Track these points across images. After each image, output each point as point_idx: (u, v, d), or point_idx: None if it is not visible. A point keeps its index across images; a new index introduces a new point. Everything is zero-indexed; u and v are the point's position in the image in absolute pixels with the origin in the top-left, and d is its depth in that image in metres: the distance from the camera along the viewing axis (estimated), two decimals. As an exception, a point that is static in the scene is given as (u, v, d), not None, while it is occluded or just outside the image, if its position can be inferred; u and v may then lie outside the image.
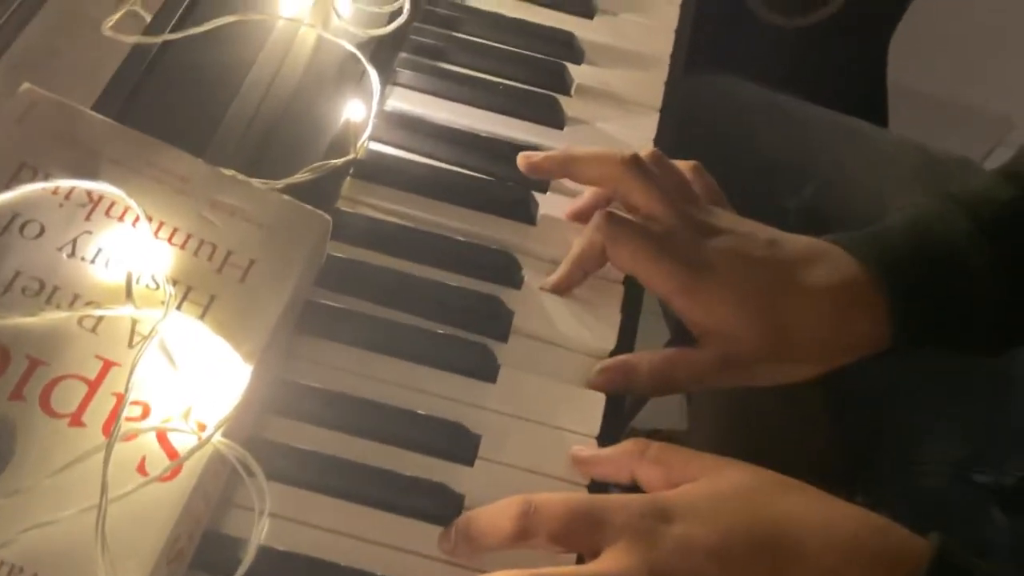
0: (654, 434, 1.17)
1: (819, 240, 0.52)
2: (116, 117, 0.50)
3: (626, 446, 0.45)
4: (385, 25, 0.57)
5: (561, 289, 0.51)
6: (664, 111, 0.61)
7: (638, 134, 0.59)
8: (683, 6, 0.66)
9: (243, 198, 0.43)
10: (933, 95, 1.65)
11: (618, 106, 0.60)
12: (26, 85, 0.44)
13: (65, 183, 0.40)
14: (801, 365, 0.51)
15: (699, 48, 1.29)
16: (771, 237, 0.52)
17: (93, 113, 0.44)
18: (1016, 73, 1.61)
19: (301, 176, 0.49)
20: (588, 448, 0.46)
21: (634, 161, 0.51)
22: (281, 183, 0.49)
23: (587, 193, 0.54)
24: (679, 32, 0.65)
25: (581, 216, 0.54)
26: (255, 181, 0.47)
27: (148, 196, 0.42)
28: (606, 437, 0.47)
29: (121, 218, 0.41)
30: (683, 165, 0.54)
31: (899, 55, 1.37)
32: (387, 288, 0.49)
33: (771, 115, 0.75)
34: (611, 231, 0.49)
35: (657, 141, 0.59)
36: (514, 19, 0.62)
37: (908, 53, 1.44)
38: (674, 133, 0.61)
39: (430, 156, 0.56)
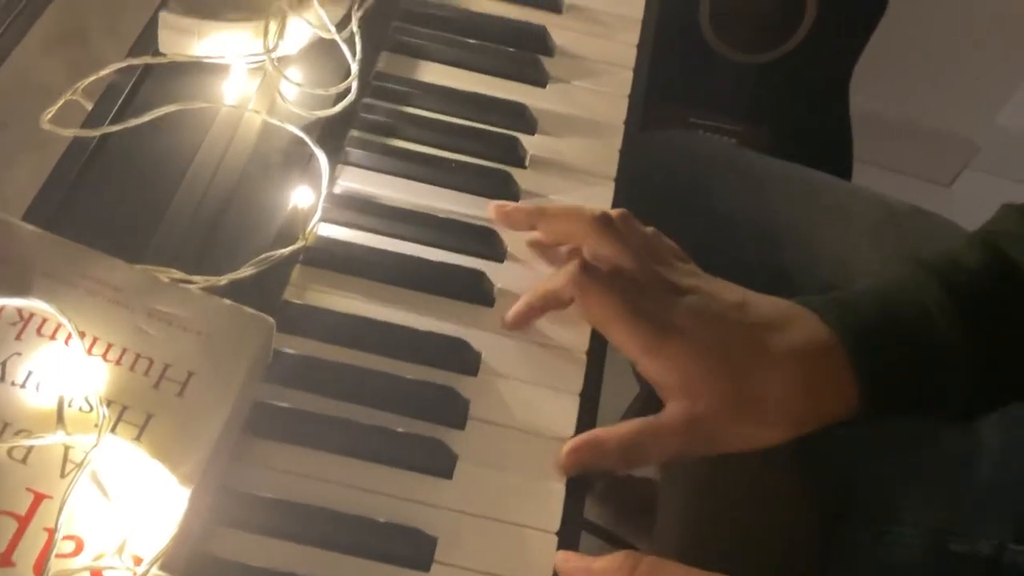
0: (627, 480, 1.16)
1: (788, 303, 0.52)
2: (55, 213, 0.49)
3: (617, 559, 0.44)
4: (333, 105, 0.56)
5: (519, 325, 0.51)
6: (619, 179, 0.60)
7: (594, 204, 0.58)
8: (636, 71, 0.65)
9: (181, 305, 0.42)
10: (898, 121, 1.66)
11: (573, 177, 0.60)
12: (-47, 197, 0.43)
13: (-6, 302, 0.39)
14: (768, 429, 0.50)
15: (660, 86, 1.29)
16: (740, 298, 0.52)
17: (23, 224, 0.42)
18: (978, 97, 1.63)
19: (246, 270, 0.48)
20: (575, 557, 0.44)
21: (604, 218, 0.52)
22: (225, 279, 0.48)
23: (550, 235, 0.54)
24: (632, 98, 0.64)
25: (540, 249, 0.54)
26: (197, 279, 0.46)
27: (82, 310, 0.40)
28: (566, 533, 0.45)
29: (53, 336, 0.39)
30: (646, 228, 0.55)
31: (863, 82, 1.38)
32: (338, 382, 0.48)
33: (730, 170, 0.75)
34: (584, 284, 0.49)
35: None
36: (466, 92, 0.62)
37: (872, 80, 1.45)
38: (629, 200, 0.61)
39: (383, 236, 0.55)
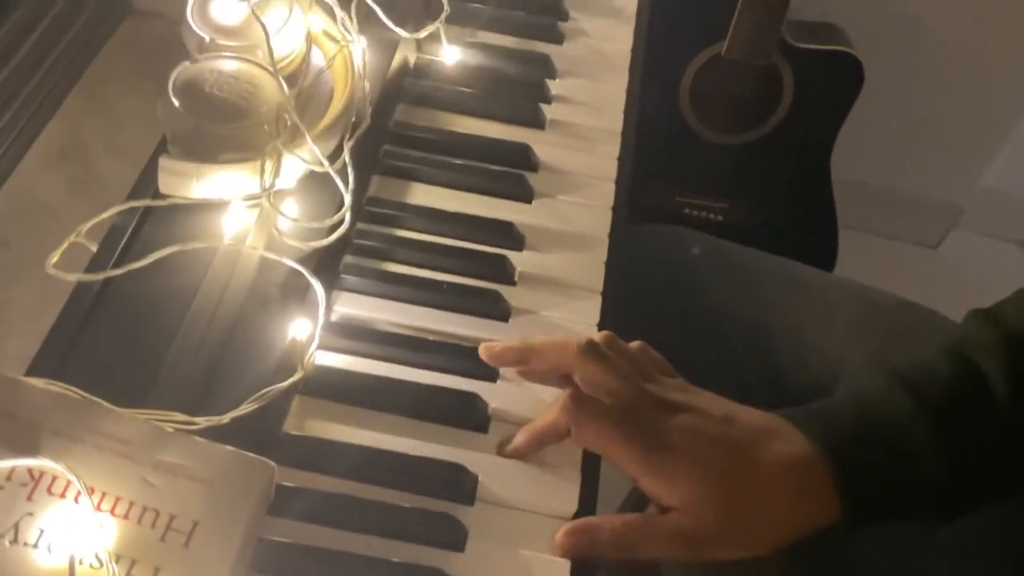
0: (634, 563, 1.16)
1: (771, 416, 0.54)
2: (62, 359, 0.51)
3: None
4: (328, 235, 0.58)
5: (519, 456, 0.53)
6: (607, 290, 0.62)
7: (582, 319, 0.60)
8: (618, 182, 0.68)
9: (185, 454, 0.43)
10: (882, 188, 1.69)
11: (561, 291, 0.62)
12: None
13: (5, 464, 0.41)
14: (758, 539, 0.52)
15: (645, 167, 1.32)
16: (726, 412, 0.54)
17: (31, 383, 0.44)
18: (959, 161, 1.66)
19: (247, 407, 0.50)
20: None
21: (590, 346, 0.54)
22: (227, 417, 0.49)
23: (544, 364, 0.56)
24: (616, 209, 0.66)
25: (532, 376, 0.56)
26: (199, 420, 0.48)
27: (90, 465, 0.42)
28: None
29: (63, 494, 0.41)
30: (632, 346, 0.57)
31: (844, 152, 1.41)
32: (338, 514, 0.49)
33: (718, 267, 0.77)
34: (577, 414, 0.52)
35: (602, 323, 0.61)
36: (455, 212, 0.64)
37: (853, 150, 1.48)
38: (619, 301, 0.63)
39: (379, 360, 0.56)
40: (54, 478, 0.41)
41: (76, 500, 0.41)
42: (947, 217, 1.73)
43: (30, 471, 0.41)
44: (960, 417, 0.52)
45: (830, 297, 0.74)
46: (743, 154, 1.34)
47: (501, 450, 0.53)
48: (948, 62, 1.51)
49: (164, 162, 0.56)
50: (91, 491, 0.41)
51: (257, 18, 0.59)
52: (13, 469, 0.41)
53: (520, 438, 0.53)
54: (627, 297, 0.63)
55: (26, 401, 0.43)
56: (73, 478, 0.41)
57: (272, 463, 0.45)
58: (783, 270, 0.77)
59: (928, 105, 1.57)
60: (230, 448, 0.45)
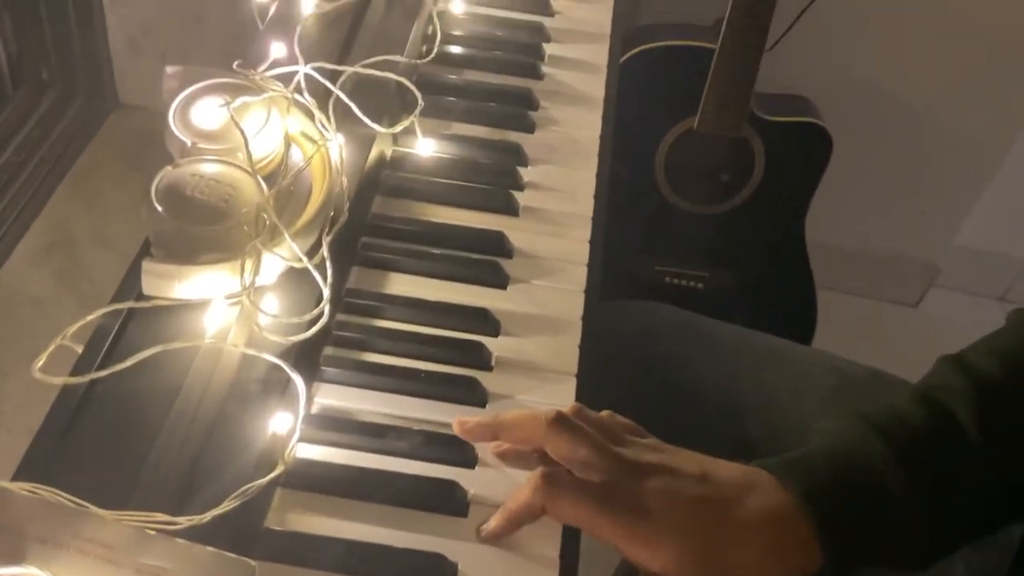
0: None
1: (745, 468, 0.55)
2: (48, 461, 0.52)
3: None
4: (307, 329, 0.60)
5: (495, 541, 0.54)
6: (581, 373, 0.64)
7: (558, 401, 0.62)
8: (590, 266, 0.70)
9: (167, 557, 0.44)
10: (858, 250, 1.73)
11: (537, 375, 0.63)
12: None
13: (-10, 574, 0.42)
14: None
15: (624, 239, 1.35)
16: (701, 470, 0.55)
17: (16, 491, 0.45)
18: (932, 221, 1.70)
19: (228, 505, 0.51)
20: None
21: (558, 418, 0.55)
22: (208, 516, 0.50)
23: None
24: (589, 292, 0.68)
25: (508, 456, 0.57)
26: (181, 520, 0.49)
27: (75, 572, 0.43)
28: None
29: (47, 602, 0.42)
30: (600, 414, 0.58)
31: (820, 217, 1.44)
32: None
33: (693, 342, 0.79)
34: (550, 492, 0.53)
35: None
36: (432, 301, 0.66)
37: (828, 215, 1.51)
38: (595, 379, 0.64)
39: (359, 451, 0.58)
40: (38, 586, 0.42)
41: (60, 607, 0.42)
42: (925, 276, 1.77)
43: (15, 579, 0.42)
44: (933, 460, 0.53)
45: (802, 369, 0.75)
46: (719, 223, 1.37)
47: (479, 534, 0.54)
48: (915, 127, 1.56)
49: (147, 265, 0.57)
50: (74, 598, 0.42)
51: (236, 123, 0.61)
52: (-2, 578, 0.42)
53: (495, 521, 0.54)
54: (602, 372, 0.65)
55: (12, 510, 0.44)
56: (57, 586, 0.42)
57: (252, 563, 0.46)
58: (755, 342, 0.79)
59: (898, 168, 1.62)
60: (210, 549, 0.46)
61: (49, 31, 1.08)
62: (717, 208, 1.36)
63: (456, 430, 0.58)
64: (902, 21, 1.44)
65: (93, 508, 0.46)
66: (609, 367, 0.74)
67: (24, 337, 0.89)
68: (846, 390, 0.73)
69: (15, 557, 0.42)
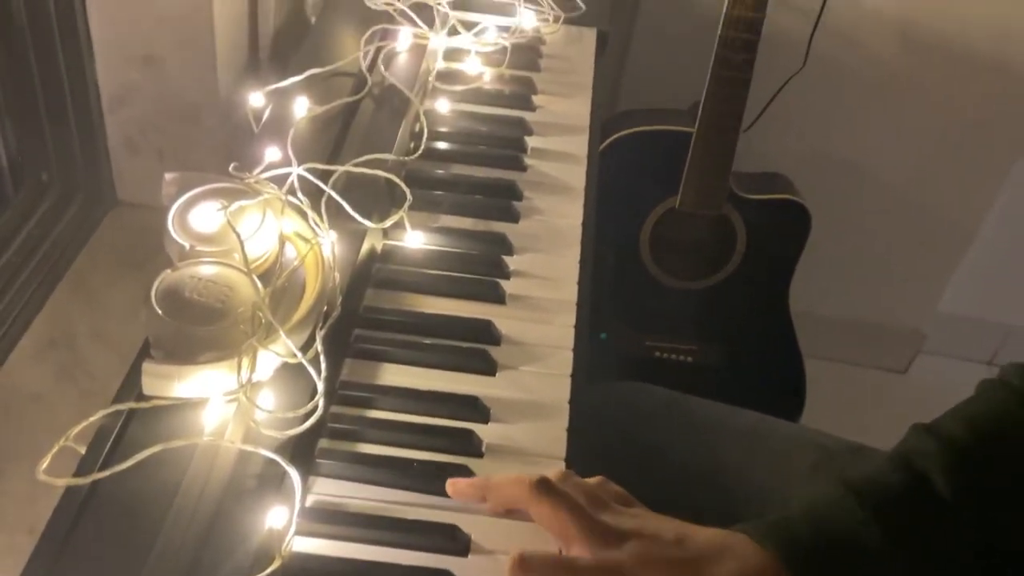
0: None
1: (723, 532, 0.57)
2: (54, 560, 0.53)
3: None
4: (302, 422, 0.62)
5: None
6: (569, 459, 0.66)
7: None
8: (575, 351, 0.72)
9: (169, 656, 0.45)
10: (844, 320, 1.75)
11: (527, 460, 0.65)
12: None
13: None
14: None
15: (613, 316, 1.37)
16: (679, 533, 0.57)
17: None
18: (915, 290, 1.73)
19: (228, 600, 0.52)
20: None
21: (542, 483, 0.57)
22: (209, 612, 0.51)
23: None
24: (575, 376, 0.71)
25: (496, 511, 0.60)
26: (183, 618, 0.50)
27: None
28: None
29: None
30: (590, 480, 0.60)
31: (805, 287, 1.48)
32: None
33: (679, 421, 0.81)
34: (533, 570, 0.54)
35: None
36: (423, 390, 0.68)
37: (812, 286, 1.55)
38: (584, 459, 0.66)
39: (354, 543, 0.59)
40: None
41: None
42: (912, 343, 1.79)
43: None
44: (907, 518, 0.56)
45: (784, 447, 0.77)
46: (705, 297, 1.40)
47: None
48: (890, 201, 1.60)
49: (147, 366, 0.60)
50: None
51: (232, 227, 0.64)
52: None
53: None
54: (590, 455, 0.66)
55: (17, 613, 0.45)
56: None
57: (252, 658, 0.47)
58: (742, 420, 0.81)
59: (877, 240, 1.66)
60: (211, 646, 0.47)
61: (50, 134, 1.12)
62: (702, 283, 1.39)
63: (448, 490, 0.60)
64: (873, 101, 1.50)
65: (96, 609, 0.47)
66: (596, 450, 0.75)
67: (25, 432, 0.90)
68: (830, 465, 0.75)
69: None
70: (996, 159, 1.55)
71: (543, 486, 0.57)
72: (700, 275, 1.39)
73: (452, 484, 0.60)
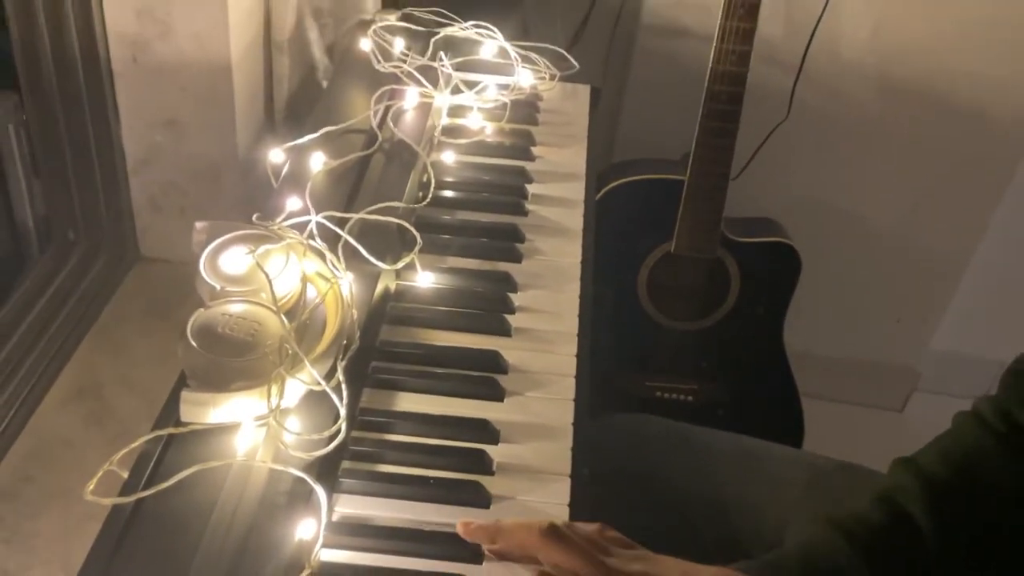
0: None
1: (726, 570, 0.61)
2: (103, 572, 0.57)
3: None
4: (327, 445, 0.67)
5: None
6: (574, 475, 0.71)
7: (555, 500, 0.68)
8: (578, 378, 0.78)
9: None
10: (839, 359, 1.79)
11: (535, 477, 0.70)
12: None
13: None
14: None
15: (614, 357, 1.42)
16: (683, 572, 0.61)
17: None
18: (908, 329, 1.78)
19: (264, 604, 0.57)
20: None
21: (551, 528, 0.61)
22: (247, 615, 0.56)
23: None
24: (578, 400, 0.76)
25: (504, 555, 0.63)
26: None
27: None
28: None
29: None
30: (590, 527, 0.64)
31: (800, 328, 1.52)
32: None
33: (678, 450, 0.86)
34: None
35: (572, 503, 0.68)
36: (437, 415, 0.73)
37: (807, 325, 1.59)
38: (587, 496, 0.70)
39: (377, 553, 0.64)
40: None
41: None
42: (907, 381, 1.83)
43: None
44: (892, 554, 0.60)
45: (777, 468, 0.82)
46: (703, 338, 1.46)
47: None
48: (878, 242, 1.66)
49: (185, 394, 0.65)
50: None
51: (260, 267, 0.70)
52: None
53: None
54: (596, 483, 0.71)
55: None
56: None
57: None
58: (738, 446, 0.86)
59: (867, 280, 1.71)
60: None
61: (77, 194, 1.19)
62: (699, 324, 1.44)
63: (459, 530, 0.64)
64: (856, 147, 1.57)
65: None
66: (600, 482, 0.80)
67: (56, 475, 0.95)
68: (820, 483, 0.80)
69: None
70: (981, 198, 1.61)
71: (553, 531, 0.61)
72: (697, 316, 1.44)
73: (464, 525, 0.64)
